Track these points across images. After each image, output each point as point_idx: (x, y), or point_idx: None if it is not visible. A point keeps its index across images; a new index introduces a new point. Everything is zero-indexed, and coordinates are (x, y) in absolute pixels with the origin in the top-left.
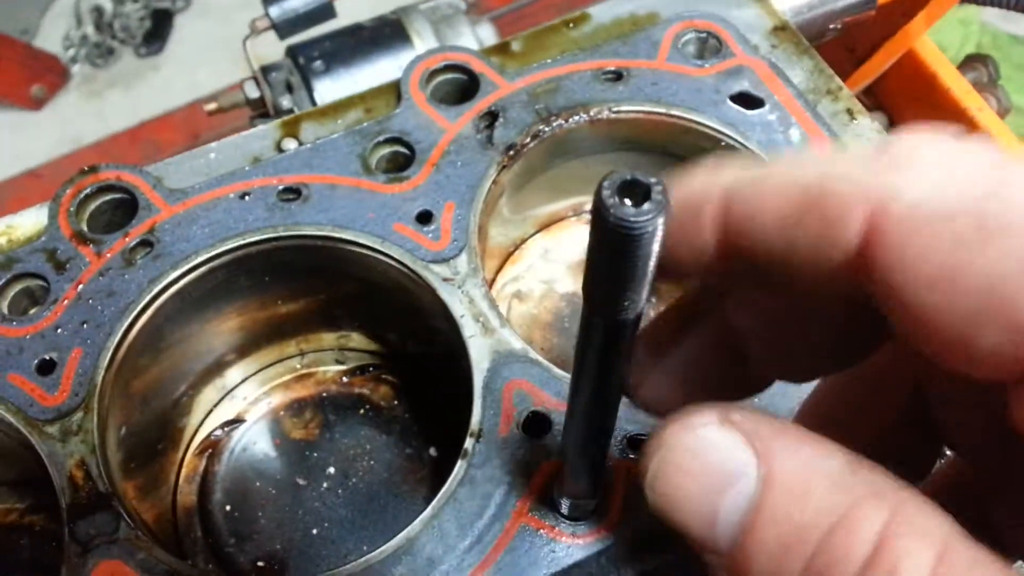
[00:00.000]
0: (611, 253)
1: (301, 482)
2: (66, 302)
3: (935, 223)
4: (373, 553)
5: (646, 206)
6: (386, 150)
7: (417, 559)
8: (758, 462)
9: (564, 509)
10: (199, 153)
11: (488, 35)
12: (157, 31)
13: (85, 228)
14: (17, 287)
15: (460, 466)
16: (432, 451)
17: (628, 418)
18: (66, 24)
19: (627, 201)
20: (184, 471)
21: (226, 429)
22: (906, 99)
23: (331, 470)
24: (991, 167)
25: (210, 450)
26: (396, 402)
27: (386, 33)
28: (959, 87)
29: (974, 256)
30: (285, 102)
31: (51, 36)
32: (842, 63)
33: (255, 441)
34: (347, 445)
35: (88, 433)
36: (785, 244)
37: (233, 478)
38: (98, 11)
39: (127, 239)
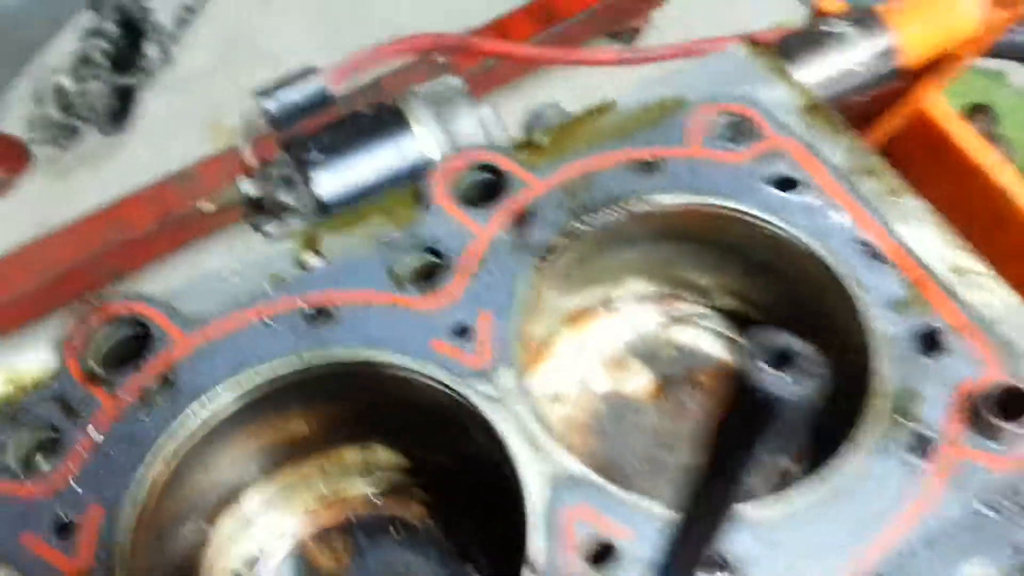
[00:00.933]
0: (757, 422)
1: None
2: (82, 453)
3: None
4: None
5: (803, 379)
6: (416, 261)
7: None
8: None
9: None
10: (214, 275)
11: (489, 118)
12: (122, 108)
13: (98, 367)
14: (27, 440)
15: None
16: (472, 570)
17: None
18: (27, 106)
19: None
20: None
21: (248, 565)
22: (917, 157)
23: None
24: None
25: None
26: (431, 521)
27: (385, 120)
28: (973, 145)
29: None
30: (284, 197)
31: (12, 119)
32: (854, 126)
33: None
34: (382, 573)
35: None
36: None
37: None
38: (60, 91)
39: (144, 377)
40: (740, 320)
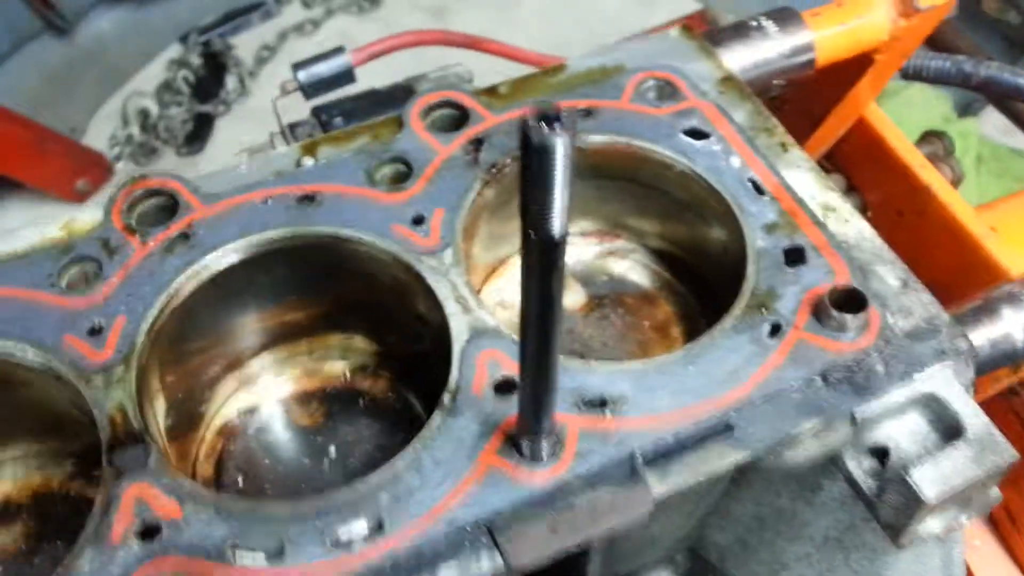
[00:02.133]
0: (533, 170)
1: (305, 462)
2: (115, 280)
3: None
4: (361, 481)
5: (558, 126)
6: (388, 167)
7: (398, 487)
8: None
9: (525, 452)
10: (230, 167)
11: None
12: (198, 133)
13: (134, 222)
14: (76, 268)
15: (437, 414)
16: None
17: (583, 382)
18: (113, 124)
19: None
20: (204, 449)
21: (242, 415)
22: (862, 164)
23: (332, 453)
24: None
25: (228, 432)
26: (392, 394)
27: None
28: (904, 148)
29: None
30: None
31: (98, 135)
32: (801, 127)
33: (267, 426)
34: (347, 432)
35: (127, 383)
36: None
37: (246, 456)
38: (144, 113)
39: (169, 232)
40: (665, 256)
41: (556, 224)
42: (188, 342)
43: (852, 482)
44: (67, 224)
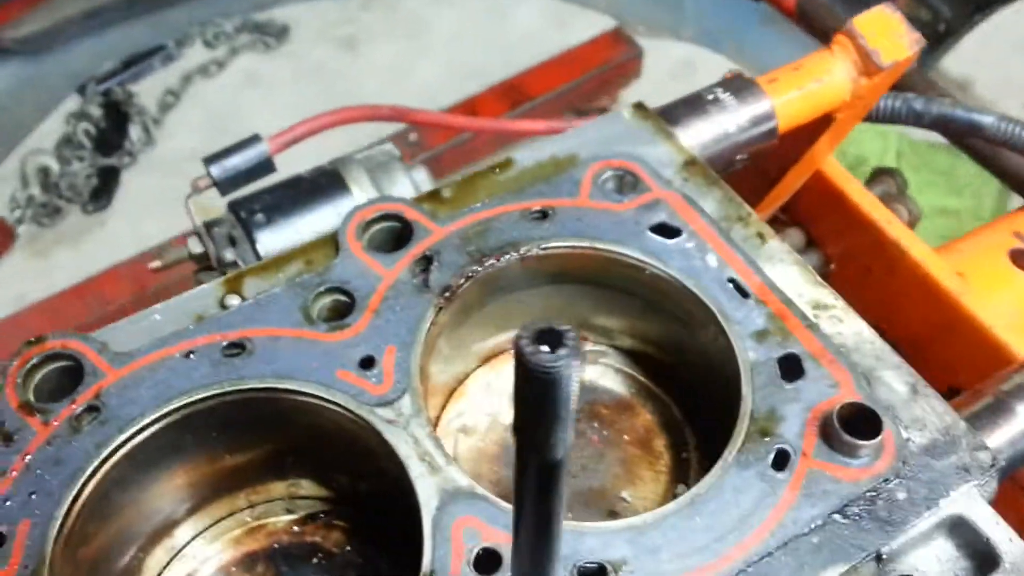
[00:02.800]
0: (535, 395)
1: None
2: (14, 474)
3: None
4: None
5: (561, 351)
6: (327, 299)
7: None
8: None
9: None
10: (143, 316)
11: (423, 179)
12: (104, 187)
13: (32, 398)
14: None
15: None
16: None
17: (576, 546)
18: (12, 186)
19: (544, 348)
20: None
21: None
22: (820, 215)
23: None
24: None
25: None
26: (349, 547)
27: (324, 183)
28: (867, 201)
29: None
30: (229, 255)
31: None
32: (757, 186)
33: None
34: None
35: None
36: None
37: None
38: (44, 172)
39: (74, 406)
40: (639, 357)
41: (559, 449)
42: (104, 526)
43: None
44: None
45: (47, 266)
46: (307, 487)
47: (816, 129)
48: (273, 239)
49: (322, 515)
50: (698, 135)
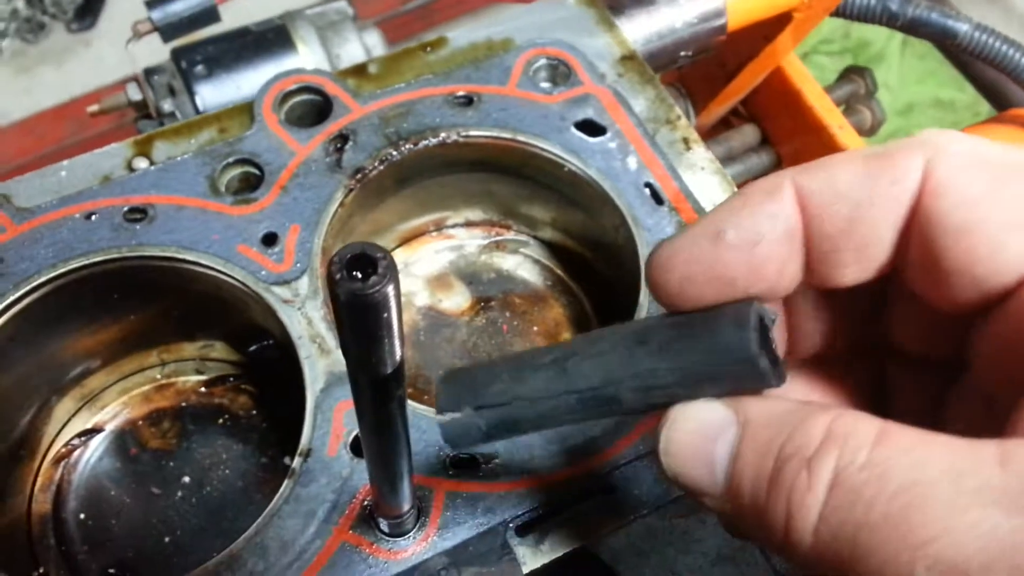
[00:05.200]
0: (352, 321)
1: (156, 491)
2: None
3: (979, 158)
4: (196, 571)
5: (373, 279)
6: (235, 171)
7: (239, 574)
8: (736, 416)
9: (384, 527)
10: (50, 171)
11: (375, 42)
12: (89, 6)
13: None
14: None
15: (286, 485)
16: (287, 460)
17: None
18: None
19: (356, 274)
20: (40, 480)
21: (83, 439)
22: (776, 113)
23: (186, 479)
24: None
25: (66, 459)
26: (255, 412)
27: (270, 38)
28: (822, 104)
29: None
30: (167, 105)
31: None
32: (714, 78)
33: (111, 451)
34: (204, 454)
35: None
36: (853, 207)
37: (88, 487)
38: None
39: None
40: (558, 250)
41: (387, 366)
42: (3, 377)
43: None
44: None
45: (30, 84)
46: (218, 350)
47: (775, 25)
48: (213, 93)
49: (231, 379)
50: (641, 28)
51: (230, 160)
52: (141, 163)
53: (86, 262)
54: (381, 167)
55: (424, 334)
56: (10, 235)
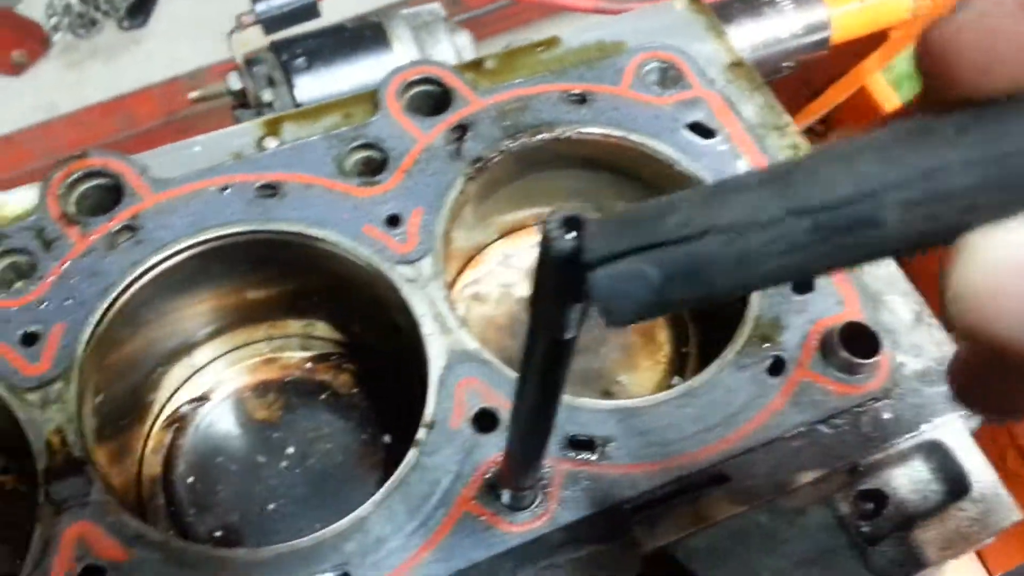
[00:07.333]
0: (552, 279)
1: (261, 460)
2: (51, 279)
3: None
4: (326, 529)
5: (584, 240)
6: (361, 154)
7: (367, 537)
8: None
9: (505, 499)
10: (183, 145)
11: (465, 44)
12: (141, 5)
13: (73, 210)
14: (5, 262)
15: (412, 453)
16: (387, 438)
17: (569, 419)
18: None
19: (570, 234)
20: (151, 443)
21: (193, 405)
22: (857, 131)
23: (290, 450)
24: None
25: (176, 424)
26: (356, 390)
27: (367, 36)
28: None
29: None
30: (267, 95)
31: (34, 4)
32: (798, 95)
33: (220, 418)
34: (307, 428)
35: (66, 402)
36: None
37: (197, 452)
38: None
39: (112, 223)
40: None
41: (569, 330)
42: (131, 338)
43: (844, 525)
44: None
45: (79, 77)
46: (322, 329)
47: (868, 45)
48: (311, 85)
49: (334, 356)
50: (748, 36)
51: (356, 143)
52: (271, 142)
53: (221, 233)
54: (499, 158)
55: (522, 325)
56: (148, 204)
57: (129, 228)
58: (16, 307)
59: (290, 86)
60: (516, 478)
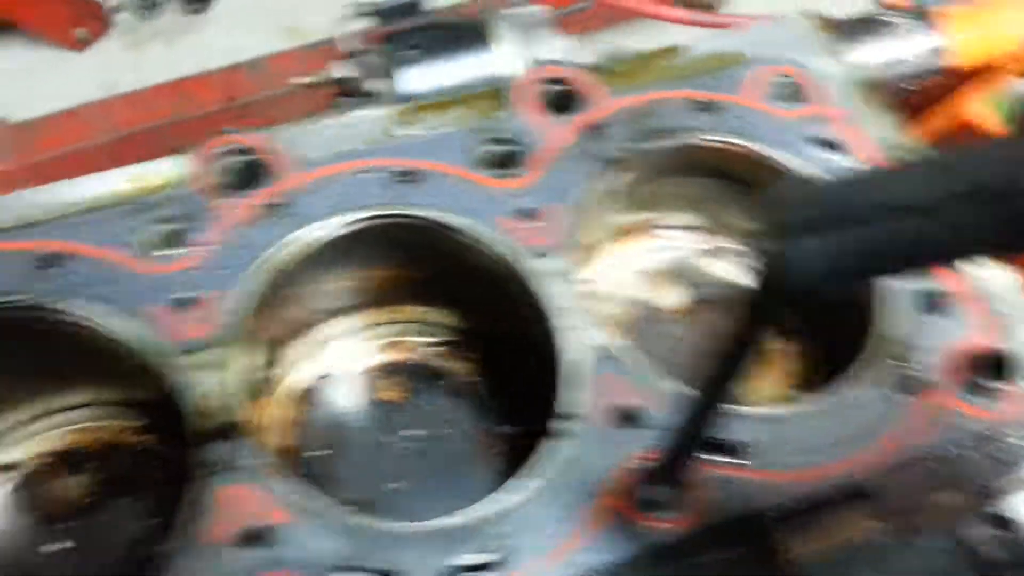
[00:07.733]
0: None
1: (383, 439)
2: (203, 247)
3: None
4: (483, 510)
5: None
6: (496, 148)
7: (524, 520)
8: None
9: (648, 495)
10: (322, 127)
11: (567, 47)
12: None
13: (218, 182)
14: (155, 228)
15: (557, 445)
16: (507, 428)
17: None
18: None
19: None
20: (276, 413)
21: (319, 381)
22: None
23: (411, 432)
24: None
25: (303, 398)
26: (478, 378)
27: (473, 33)
28: None
29: None
30: (372, 85)
31: None
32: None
33: (346, 395)
34: (428, 412)
35: (218, 368)
36: None
37: (322, 427)
38: None
39: (262, 198)
40: None
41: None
42: (273, 312)
43: (970, 549)
44: (138, 177)
45: (140, 59)
46: (443, 316)
47: (976, 72)
48: (417, 78)
49: (454, 343)
50: (865, 56)
51: (492, 136)
52: (404, 130)
53: (368, 214)
54: (631, 160)
55: (640, 324)
56: (295, 182)
57: (274, 204)
58: (169, 272)
59: (395, 77)
60: (668, 475)
